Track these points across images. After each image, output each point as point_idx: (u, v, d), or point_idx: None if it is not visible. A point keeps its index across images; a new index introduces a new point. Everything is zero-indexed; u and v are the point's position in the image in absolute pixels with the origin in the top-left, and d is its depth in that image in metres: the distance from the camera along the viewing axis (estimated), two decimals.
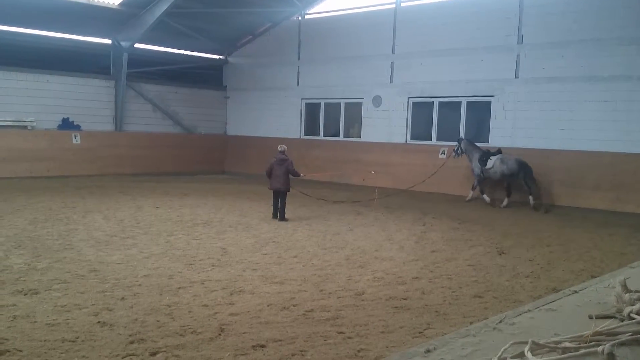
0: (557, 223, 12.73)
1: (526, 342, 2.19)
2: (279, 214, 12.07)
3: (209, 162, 22.76)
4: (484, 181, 15.85)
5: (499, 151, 15.56)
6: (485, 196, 15.73)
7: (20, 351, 4.73)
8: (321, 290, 6.83)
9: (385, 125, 19.63)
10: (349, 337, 5.31)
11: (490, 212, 14.19)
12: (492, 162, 15.32)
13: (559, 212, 14.44)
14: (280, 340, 5.16)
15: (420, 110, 19.11)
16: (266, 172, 12.48)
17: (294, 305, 6.19)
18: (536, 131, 16.36)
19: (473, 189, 16.24)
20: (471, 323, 5.79)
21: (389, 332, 5.50)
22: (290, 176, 12.40)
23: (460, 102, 18.01)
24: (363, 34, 20.07)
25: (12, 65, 18.59)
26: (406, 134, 19.26)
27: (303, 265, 8.10)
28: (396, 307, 6.28)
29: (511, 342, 2.22)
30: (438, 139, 18.53)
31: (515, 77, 16.77)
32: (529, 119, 16.50)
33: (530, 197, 14.77)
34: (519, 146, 16.59)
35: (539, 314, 2.77)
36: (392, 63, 19.51)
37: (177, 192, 15.82)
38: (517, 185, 15.34)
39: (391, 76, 19.56)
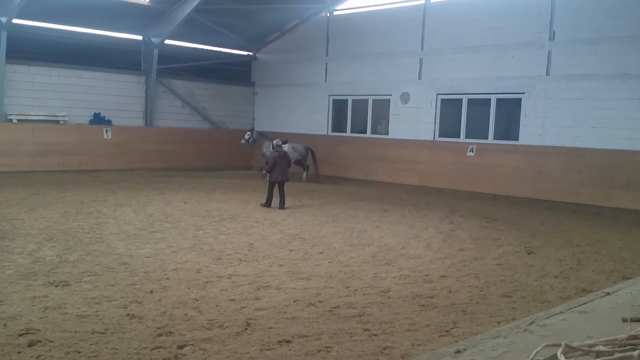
0: (588, 222, 12.49)
1: (559, 345, 2.14)
2: (284, 202, 12.88)
3: (236, 157, 22.90)
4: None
5: (285, 141, 17.51)
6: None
7: (52, 342, 4.83)
8: (347, 287, 6.82)
9: (413, 122, 19.50)
10: (375, 335, 5.29)
11: (519, 211, 13.99)
12: (284, 149, 17.34)
13: (589, 211, 14.17)
14: (306, 336, 5.17)
15: (449, 107, 18.94)
16: (269, 167, 13.08)
17: (319, 302, 6.20)
18: (567, 129, 16.08)
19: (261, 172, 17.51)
20: (498, 323, 5.74)
21: (415, 330, 5.47)
22: None
23: (490, 99, 17.78)
24: (391, 30, 19.95)
25: (45, 60, 18.98)
26: (434, 131, 19.10)
27: (329, 262, 8.11)
28: (422, 306, 6.24)
29: (543, 344, 2.18)
30: (467, 137, 18.34)
31: (547, 74, 16.50)
32: (560, 117, 16.22)
33: (305, 173, 18.78)
34: (549, 144, 16.36)
35: (570, 316, 2.72)
36: (420, 59, 19.36)
37: (205, 188, 15.96)
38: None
39: (419, 73, 19.41)
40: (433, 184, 18.50)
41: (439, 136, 19.03)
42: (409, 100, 19.62)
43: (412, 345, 5.08)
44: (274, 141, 13.89)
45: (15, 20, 17.36)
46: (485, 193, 17.05)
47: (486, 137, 17.87)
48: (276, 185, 13.13)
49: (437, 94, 18.97)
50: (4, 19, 17.10)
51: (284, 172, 13.12)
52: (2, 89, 17.69)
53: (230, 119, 24.03)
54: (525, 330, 2.45)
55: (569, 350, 2.14)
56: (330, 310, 5.91)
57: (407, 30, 19.54)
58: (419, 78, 19.41)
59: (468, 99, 18.33)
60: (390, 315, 5.85)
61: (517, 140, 17.12)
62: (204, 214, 11.83)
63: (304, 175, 18.86)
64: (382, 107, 20.57)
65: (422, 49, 19.30)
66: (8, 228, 9.42)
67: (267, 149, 17.59)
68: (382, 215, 12.48)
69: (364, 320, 5.66)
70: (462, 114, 18.47)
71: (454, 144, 18.45)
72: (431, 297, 6.55)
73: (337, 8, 21.93)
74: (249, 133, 18.69)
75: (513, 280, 7.47)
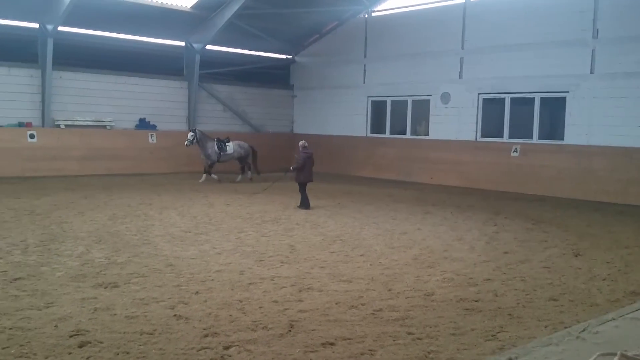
0: (636, 224, 12.10)
1: (614, 354, 2.08)
2: (308, 203, 13.07)
3: (276, 160, 23.07)
4: (214, 164, 18.03)
5: (228, 139, 18.27)
6: (214, 175, 17.99)
7: (101, 342, 4.96)
8: (389, 290, 6.79)
9: (454, 122, 19.28)
10: (419, 338, 5.26)
11: (565, 212, 13.66)
12: (231, 147, 18.20)
13: (637, 212, 13.72)
14: (349, 339, 5.18)
15: (491, 107, 18.65)
16: (299, 167, 13.10)
17: (362, 304, 6.19)
18: (614, 128, 15.63)
19: (206, 172, 18.00)
20: (546, 327, 5.63)
21: (460, 335, 5.41)
22: None
23: (534, 98, 17.44)
24: (431, 30, 19.78)
25: (91, 67, 19.54)
26: (476, 131, 18.84)
27: (370, 264, 8.09)
28: (467, 309, 6.16)
29: (598, 353, 2.12)
30: (510, 136, 18.02)
31: (591, 73, 16.09)
32: (606, 115, 15.79)
33: (249, 172, 18.70)
34: (595, 144, 15.94)
35: (623, 323, 2.65)
36: (461, 59, 19.13)
37: (246, 190, 16.13)
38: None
39: (460, 72, 19.18)
40: (476, 186, 18.25)
41: (482, 136, 18.76)
42: (450, 100, 19.41)
43: (458, 350, 5.03)
44: (300, 142, 13.75)
45: (61, 28, 17.93)
46: (530, 194, 16.72)
47: (530, 137, 17.53)
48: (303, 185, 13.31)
49: (479, 94, 18.71)
50: (50, 27, 17.69)
51: (311, 172, 13.35)
52: (49, 95, 18.29)
53: (269, 122, 24.25)
54: (578, 337, 2.39)
55: None
56: (372, 313, 5.90)
57: (447, 30, 19.34)
58: (460, 77, 19.18)
59: (511, 98, 18.01)
60: (434, 319, 5.80)
61: (563, 139, 16.74)
62: (245, 216, 11.96)
63: (248, 174, 18.68)
64: (422, 108, 20.40)
65: (462, 48, 19.07)
66: (58, 231, 9.73)
67: (212, 149, 17.72)
68: (424, 217, 12.37)
69: (408, 324, 5.63)
70: (505, 114, 18.15)
71: (497, 144, 18.16)
72: (476, 301, 6.46)
73: (376, 9, 21.87)
74: (192, 133, 17.67)
75: (560, 284, 7.31)
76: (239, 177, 18.60)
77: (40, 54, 18.21)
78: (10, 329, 5.17)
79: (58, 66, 18.42)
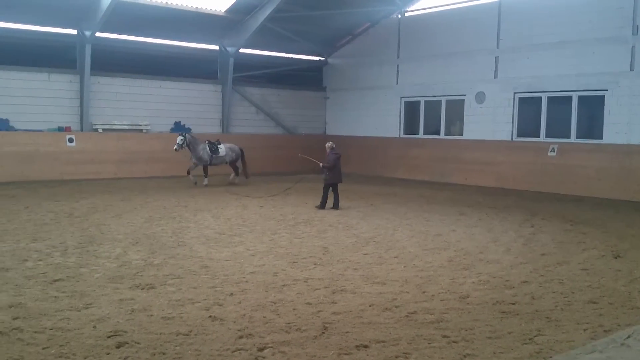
0: None
1: None
2: (339, 203, 13.26)
3: (309, 161, 23.11)
4: (201, 166, 17.53)
5: (219, 142, 17.89)
6: (191, 177, 17.40)
7: (138, 343, 5.04)
8: (424, 292, 6.73)
9: (489, 122, 19.01)
10: (454, 342, 5.19)
11: (604, 213, 13.32)
12: (223, 149, 17.78)
13: None
14: (384, 342, 5.15)
15: (527, 106, 18.33)
16: (330, 167, 13.18)
17: (396, 307, 6.15)
18: None
19: (188, 173, 17.36)
20: (585, 330, 5.51)
21: (496, 338, 5.32)
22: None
23: (571, 96, 17.08)
24: (465, 29, 19.56)
25: (128, 72, 19.94)
26: (512, 131, 18.54)
27: (404, 266, 8.03)
28: (504, 312, 6.06)
29: None
30: (547, 136, 17.68)
31: (631, 70, 15.67)
32: None
33: (236, 176, 18.29)
34: (636, 142, 15.54)
35: None
36: (496, 58, 18.86)
37: (281, 190, 16.20)
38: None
39: (495, 71, 18.91)
40: (511, 186, 17.96)
41: (518, 136, 18.45)
42: (485, 100, 19.15)
43: (494, 354, 4.95)
44: (328, 143, 13.73)
45: (98, 34, 18.33)
46: (568, 195, 16.37)
47: (568, 136, 17.17)
48: (329, 187, 13.42)
49: (515, 93, 18.41)
50: (88, 33, 18.10)
51: (341, 173, 13.49)
52: (87, 100, 18.72)
53: (302, 124, 24.33)
54: (622, 344, 2.32)
55: None
56: (407, 316, 5.86)
57: (482, 29, 19.10)
58: (495, 77, 18.91)
59: (548, 97, 17.67)
60: (470, 322, 5.72)
61: (601, 138, 16.34)
62: (279, 217, 12.01)
63: (232, 176, 18.31)
64: (456, 108, 20.18)
65: (497, 46, 18.80)
66: (96, 233, 9.94)
67: (203, 150, 17.29)
68: (458, 219, 12.22)
69: (443, 327, 5.57)
70: (542, 113, 17.82)
71: (533, 143, 17.83)
72: (513, 304, 6.35)
73: (409, 9, 21.73)
74: (181, 137, 16.93)
75: (599, 286, 7.14)
76: (232, 176, 18.35)
77: (79, 59, 18.66)
78: (51, 329, 5.30)
79: (96, 71, 18.84)
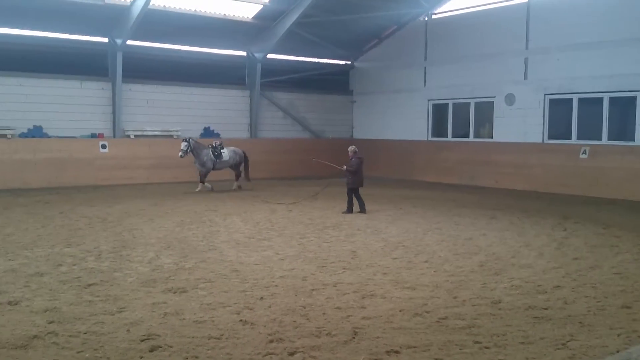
0: None
1: None
2: (364, 206, 13.26)
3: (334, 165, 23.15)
4: (208, 172, 17.29)
5: (222, 145, 17.51)
6: (207, 184, 17.24)
7: (171, 347, 5.10)
8: (455, 297, 6.68)
9: (520, 124, 18.78)
10: (486, 347, 5.14)
11: (638, 216, 13.03)
12: (226, 153, 17.44)
13: None
14: (414, 347, 5.12)
15: (558, 108, 18.06)
16: (353, 171, 13.18)
17: (426, 312, 6.12)
18: None
19: (202, 182, 17.18)
20: (619, 335, 5.42)
21: (529, 343, 5.26)
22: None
23: (602, 98, 16.78)
24: (493, 30, 19.39)
25: (158, 79, 20.27)
26: (543, 133, 18.29)
27: (434, 271, 7.97)
28: (536, 317, 5.98)
29: None
30: (579, 138, 17.40)
31: None
32: None
33: (237, 181, 17.94)
34: None
35: None
36: (525, 59, 18.64)
37: (307, 196, 16.23)
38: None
39: (525, 73, 18.69)
40: (543, 189, 17.71)
41: (549, 138, 18.19)
42: (515, 102, 18.93)
43: (527, 359, 4.89)
44: (350, 147, 13.65)
45: (129, 42, 18.67)
46: (601, 197, 16.07)
47: (599, 138, 16.87)
48: (353, 191, 13.44)
49: (545, 94, 18.16)
50: (119, 41, 18.46)
51: (362, 177, 13.48)
52: (119, 107, 19.08)
53: (329, 127, 24.38)
54: None
55: None
56: (438, 321, 5.82)
57: (510, 30, 18.90)
58: (525, 78, 18.69)
59: (579, 99, 17.39)
60: (502, 327, 5.66)
61: (634, 140, 16.02)
62: (307, 222, 12.04)
63: (235, 184, 18.02)
64: (486, 110, 19.99)
65: (526, 48, 18.58)
66: (129, 237, 10.11)
67: (207, 156, 16.95)
68: (489, 223, 12.09)
69: (474, 332, 5.51)
70: (573, 115, 17.54)
71: (564, 146, 17.56)
72: (545, 309, 6.26)
73: (436, 12, 21.63)
74: (185, 143, 16.62)
75: (633, 290, 6.99)
76: (235, 184, 17.98)
77: (111, 67, 19.04)
78: (85, 333, 5.40)
79: (127, 79, 19.20)
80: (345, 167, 13.39)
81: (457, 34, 20.55)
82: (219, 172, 17.87)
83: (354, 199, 13.38)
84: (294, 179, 21.08)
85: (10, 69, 17.68)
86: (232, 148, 17.88)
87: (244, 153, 18.12)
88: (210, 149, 17.13)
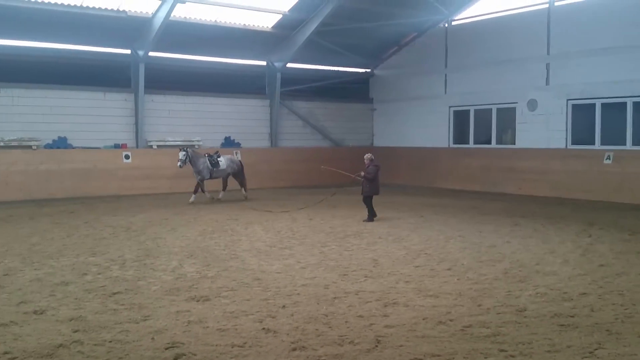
0: None
1: None
2: (374, 214, 13.28)
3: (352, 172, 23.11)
4: (204, 181, 16.88)
5: (218, 153, 17.28)
6: (207, 193, 16.92)
7: (195, 355, 5.13)
8: (479, 305, 6.61)
9: (542, 129, 18.60)
10: (512, 356, 5.08)
11: None
12: (223, 162, 17.15)
13: None
14: (438, 355, 5.08)
15: (581, 113, 17.85)
16: (371, 178, 13.17)
17: (450, 320, 6.06)
18: None
19: (203, 191, 16.82)
20: None
21: (555, 352, 5.18)
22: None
23: (626, 102, 16.56)
24: (514, 36, 19.27)
25: (179, 89, 20.51)
26: (566, 139, 18.09)
27: (458, 279, 7.90)
28: (562, 325, 5.89)
29: None
30: (602, 143, 17.18)
31: None
32: None
33: (243, 190, 17.72)
34: None
35: None
36: (547, 64, 18.49)
37: (328, 204, 16.22)
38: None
39: (547, 78, 18.52)
40: (567, 195, 17.48)
41: (572, 144, 17.98)
42: (537, 107, 18.76)
43: None
44: (366, 155, 13.61)
45: (151, 53, 18.92)
46: (625, 203, 15.82)
47: (624, 143, 16.64)
48: (370, 198, 13.44)
49: (568, 100, 17.97)
50: (141, 52, 18.73)
51: (379, 185, 13.51)
52: (142, 117, 19.32)
53: (349, 136, 24.38)
54: None
55: None
56: (462, 330, 5.76)
57: (531, 35, 18.77)
58: (547, 84, 18.52)
59: (602, 104, 17.18)
60: (528, 336, 5.58)
61: None
62: (328, 230, 12.04)
63: (240, 191, 17.69)
64: (508, 116, 19.84)
65: (548, 53, 18.42)
66: (152, 246, 10.21)
67: (203, 165, 16.64)
68: (513, 230, 11.96)
69: (499, 341, 5.45)
70: (596, 120, 17.34)
71: (588, 151, 17.34)
72: (571, 316, 6.17)
73: (456, 18, 21.57)
74: (183, 153, 16.23)
75: None
76: (221, 194, 17.44)
77: (133, 78, 19.31)
78: (110, 341, 5.45)
79: (149, 89, 19.45)
80: (362, 173, 13.35)
81: (478, 40, 20.46)
82: (210, 181, 17.41)
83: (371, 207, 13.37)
84: (313, 187, 21.06)
85: (35, 81, 18.03)
86: (228, 157, 17.72)
87: (241, 163, 17.95)
88: (206, 157, 16.88)
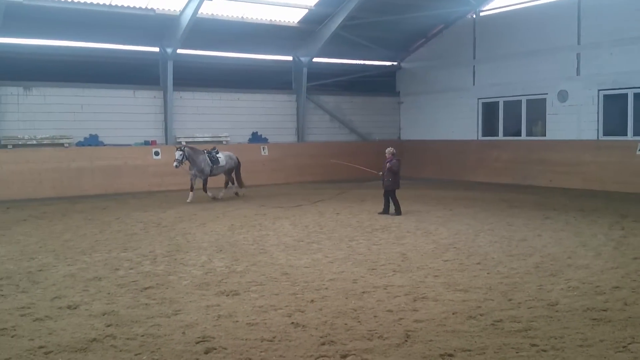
0: None
1: None
2: (389, 210, 13.25)
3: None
4: (207, 179, 16.30)
5: (215, 149, 16.72)
6: (209, 193, 16.29)
7: (225, 349, 5.18)
8: (510, 300, 6.53)
9: (573, 121, 18.26)
10: (543, 350, 5.01)
11: None
12: (222, 159, 16.57)
13: None
14: (469, 350, 5.04)
15: (613, 103, 17.48)
16: (396, 172, 13.25)
17: (480, 315, 6.01)
18: None
19: (192, 190, 15.97)
20: None
21: (587, 346, 5.10)
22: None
23: None
24: (543, 26, 18.93)
25: (208, 86, 20.68)
26: (597, 130, 17.73)
27: (488, 273, 7.82)
28: (595, 319, 5.79)
29: None
30: (635, 134, 16.83)
31: None
32: None
33: (234, 186, 17.15)
34: None
35: None
36: (578, 54, 18.12)
37: (355, 199, 16.21)
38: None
39: (577, 68, 18.17)
40: (599, 187, 17.14)
41: (604, 135, 17.61)
42: (568, 98, 18.42)
43: None
44: (388, 149, 13.52)
45: (179, 51, 19.11)
46: None
47: None
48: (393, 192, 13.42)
49: (599, 90, 17.60)
50: (169, 50, 18.92)
51: (399, 179, 13.55)
52: (171, 114, 19.54)
53: (376, 129, 24.28)
54: None
55: None
56: (492, 324, 5.70)
57: (561, 25, 18.42)
58: (577, 74, 18.17)
59: (634, 94, 16.78)
60: (560, 330, 5.50)
61: None
62: (355, 224, 12.02)
63: (228, 189, 17.13)
64: (538, 107, 19.53)
65: (578, 43, 18.06)
66: (182, 242, 10.34)
67: (204, 162, 15.98)
68: (544, 223, 11.78)
69: (531, 335, 5.38)
70: (629, 110, 16.97)
71: (621, 142, 16.97)
72: (604, 310, 6.06)
73: (484, 9, 21.28)
74: (180, 152, 15.58)
75: None
76: (222, 192, 16.93)
77: (162, 76, 19.54)
78: (142, 335, 5.54)
79: (178, 87, 19.66)
80: (388, 165, 13.27)
81: (506, 30, 20.16)
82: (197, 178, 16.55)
83: (389, 201, 13.36)
84: (339, 181, 21.03)
85: (66, 79, 18.38)
86: (227, 153, 17.15)
87: (237, 159, 17.38)
88: (206, 154, 16.30)
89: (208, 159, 16.27)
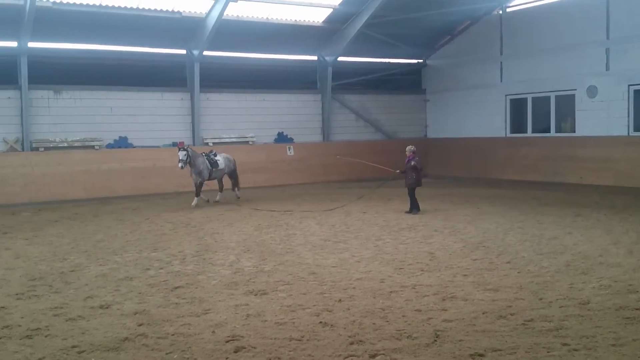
0: None
1: None
2: (418, 206, 13.33)
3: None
4: (203, 183, 15.83)
5: (213, 152, 16.30)
6: (202, 196, 15.76)
7: (255, 348, 5.23)
8: (540, 299, 6.45)
9: (603, 117, 17.90)
10: (575, 350, 4.95)
11: None
12: (221, 161, 16.15)
13: None
14: (500, 350, 5.00)
15: None
16: (420, 169, 13.40)
17: (511, 314, 5.95)
18: None
19: (198, 195, 15.66)
20: None
21: (620, 346, 5.02)
22: None
23: None
24: (571, 21, 18.61)
25: (234, 87, 20.81)
26: (628, 125, 17.36)
27: (518, 272, 7.74)
28: (628, 318, 5.70)
29: None
30: None
31: None
32: None
33: (237, 189, 16.87)
34: None
35: None
36: (607, 49, 17.76)
37: (381, 197, 16.16)
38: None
39: (607, 64, 17.81)
40: (630, 184, 16.77)
41: (634, 130, 17.25)
42: (597, 94, 18.07)
43: None
44: (409, 147, 13.52)
45: (205, 53, 19.27)
46: None
47: None
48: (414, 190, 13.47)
49: (629, 85, 17.24)
50: (196, 52, 19.09)
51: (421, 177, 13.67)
52: (198, 116, 19.72)
53: (402, 128, 24.13)
54: None
55: None
56: (523, 324, 5.65)
57: (590, 20, 18.07)
58: (607, 69, 17.80)
59: None
60: (592, 329, 5.42)
61: None
62: (382, 223, 12.00)
63: (235, 190, 16.84)
64: (567, 103, 19.19)
65: (607, 38, 17.70)
66: (210, 241, 10.44)
67: (203, 164, 15.59)
68: (574, 220, 11.59)
69: (562, 334, 5.31)
70: None
71: None
72: (637, 309, 5.97)
73: (510, 4, 21.00)
74: (184, 152, 15.08)
75: None
76: (218, 195, 16.52)
77: (189, 78, 19.72)
78: (173, 334, 5.63)
79: (204, 88, 19.82)
80: (413, 163, 13.22)
81: (534, 26, 19.86)
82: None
83: (415, 199, 13.36)
84: (366, 180, 20.94)
85: (96, 82, 18.67)
86: (224, 155, 16.65)
87: (234, 161, 16.93)
88: (204, 156, 15.89)
89: (207, 162, 15.85)
